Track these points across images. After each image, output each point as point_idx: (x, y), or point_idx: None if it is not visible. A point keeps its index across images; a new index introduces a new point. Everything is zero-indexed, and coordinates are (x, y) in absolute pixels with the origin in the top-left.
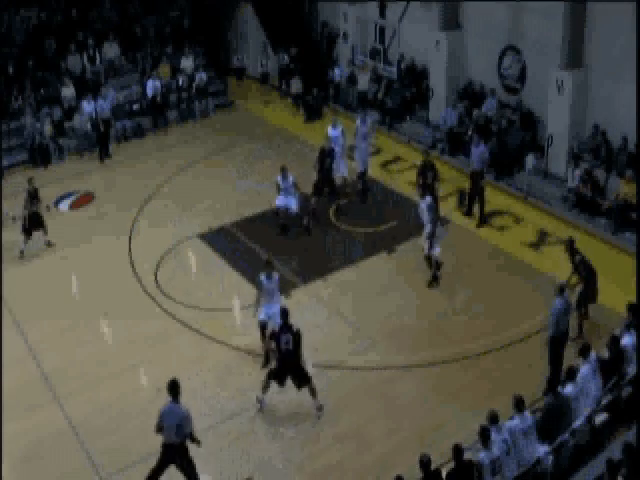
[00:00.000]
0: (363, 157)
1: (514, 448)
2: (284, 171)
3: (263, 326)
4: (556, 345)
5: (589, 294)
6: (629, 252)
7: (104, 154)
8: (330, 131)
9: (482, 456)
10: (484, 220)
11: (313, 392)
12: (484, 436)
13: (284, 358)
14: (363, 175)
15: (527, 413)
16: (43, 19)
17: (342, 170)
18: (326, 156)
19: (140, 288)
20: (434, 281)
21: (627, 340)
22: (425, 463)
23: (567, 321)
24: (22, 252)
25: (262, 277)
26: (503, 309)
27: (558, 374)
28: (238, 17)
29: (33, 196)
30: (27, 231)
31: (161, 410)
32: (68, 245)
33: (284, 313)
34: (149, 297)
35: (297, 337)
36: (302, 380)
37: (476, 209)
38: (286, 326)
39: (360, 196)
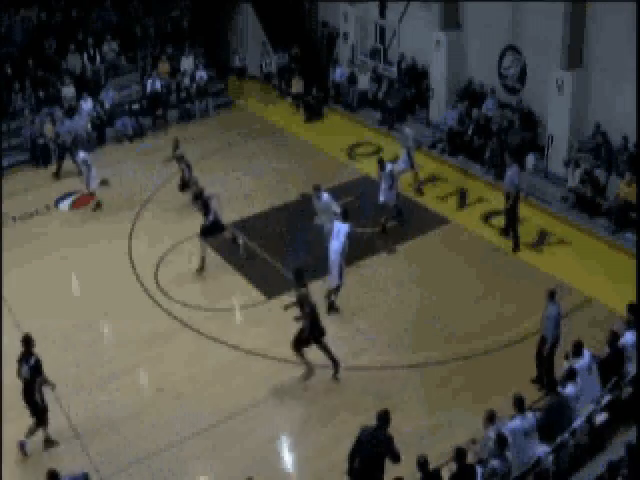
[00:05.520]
0: None
1: (515, 448)
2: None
3: None
4: (553, 350)
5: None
6: (629, 252)
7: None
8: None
9: (495, 464)
10: (517, 245)
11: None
12: (501, 442)
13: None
14: None
15: (530, 414)
16: (43, 19)
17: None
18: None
19: (140, 288)
20: None
21: (628, 338)
22: (422, 464)
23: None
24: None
25: None
26: (503, 309)
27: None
28: (238, 16)
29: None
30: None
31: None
32: (68, 245)
33: (27, 340)
34: (149, 297)
35: (36, 367)
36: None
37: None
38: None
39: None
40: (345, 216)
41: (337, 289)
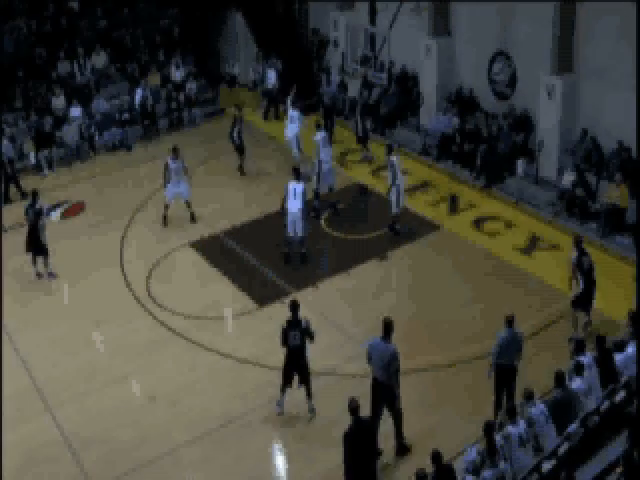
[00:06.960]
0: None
1: (509, 455)
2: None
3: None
4: (498, 376)
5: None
6: (620, 256)
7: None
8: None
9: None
10: None
11: (309, 393)
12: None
13: (291, 354)
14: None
15: (522, 421)
16: (33, 28)
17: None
18: None
19: (132, 297)
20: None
21: (629, 350)
22: (436, 457)
23: (513, 354)
24: None
25: (169, 159)
26: (495, 314)
27: (498, 406)
28: (229, 25)
29: None
30: None
31: (369, 342)
32: (59, 255)
33: (294, 307)
34: (141, 306)
35: (305, 332)
36: (303, 379)
37: None
38: (295, 321)
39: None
40: (297, 175)
41: (305, 239)
